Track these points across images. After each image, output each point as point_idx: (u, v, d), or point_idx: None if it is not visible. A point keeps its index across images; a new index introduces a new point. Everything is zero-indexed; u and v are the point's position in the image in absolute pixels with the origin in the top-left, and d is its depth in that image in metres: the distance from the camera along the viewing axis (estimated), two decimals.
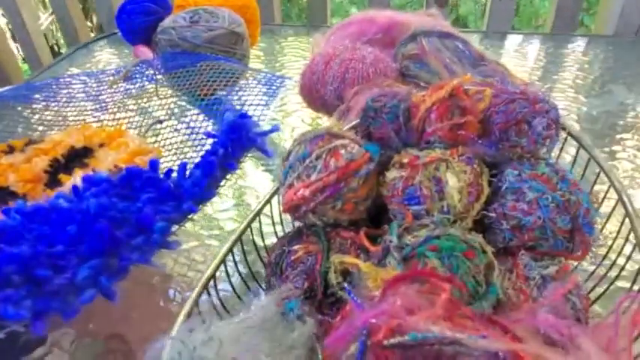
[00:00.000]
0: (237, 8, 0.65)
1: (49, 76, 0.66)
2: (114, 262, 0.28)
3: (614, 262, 0.32)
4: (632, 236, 0.29)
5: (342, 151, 0.30)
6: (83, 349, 0.35)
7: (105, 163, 0.43)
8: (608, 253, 0.33)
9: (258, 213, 0.32)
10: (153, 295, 0.39)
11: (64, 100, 0.59)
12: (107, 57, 0.84)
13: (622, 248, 0.31)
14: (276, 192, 0.34)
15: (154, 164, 0.35)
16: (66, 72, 0.76)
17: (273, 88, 0.51)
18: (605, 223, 0.35)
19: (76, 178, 0.40)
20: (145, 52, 0.67)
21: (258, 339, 0.18)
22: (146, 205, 0.31)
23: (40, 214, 0.29)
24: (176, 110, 0.54)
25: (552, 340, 0.20)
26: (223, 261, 0.28)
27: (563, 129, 0.35)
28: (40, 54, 1.02)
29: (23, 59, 1.16)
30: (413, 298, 0.19)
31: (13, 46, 1.16)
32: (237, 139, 0.38)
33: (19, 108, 0.57)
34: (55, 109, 0.57)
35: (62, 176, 0.42)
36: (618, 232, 0.32)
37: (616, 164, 0.51)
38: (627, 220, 0.30)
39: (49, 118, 0.55)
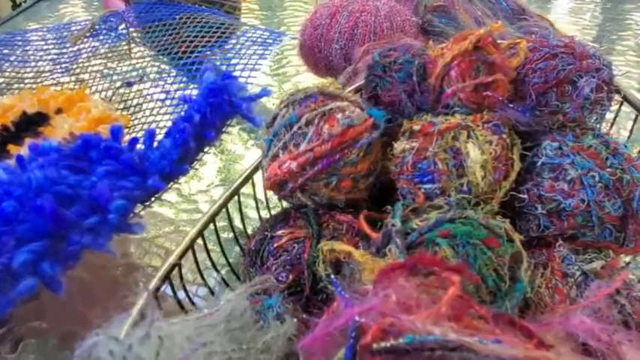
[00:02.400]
0: None
1: (3, 32, 0.66)
2: (60, 246, 0.28)
3: None
4: None
5: (339, 116, 0.28)
6: (31, 350, 0.34)
7: (61, 132, 0.42)
8: None
9: (237, 191, 0.31)
10: (116, 291, 0.39)
11: (20, 59, 0.58)
12: (73, 10, 0.84)
13: None
14: (259, 166, 0.32)
15: (115, 132, 0.34)
16: (24, 27, 0.76)
17: (266, 45, 0.50)
18: None
19: (26, 148, 0.40)
20: (116, 2, 0.67)
21: (217, 339, 0.17)
22: (102, 180, 0.30)
23: None
24: (150, 71, 0.53)
25: (590, 350, 0.19)
26: (191, 247, 0.27)
27: (618, 92, 0.33)
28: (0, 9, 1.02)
29: None
30: (412, 293, 0.17)
31: None
32: (217, 103, 0.37)
33: None
34: (9, 70, 0.57)
35: (11, 147, 0.41)
36: None
37: None
38: None
39: (0, 80, 0.55)
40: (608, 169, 0.28)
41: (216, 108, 0.37)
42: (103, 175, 0.30)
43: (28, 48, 0.60)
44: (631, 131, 0.35)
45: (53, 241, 0.27)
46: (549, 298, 0.25)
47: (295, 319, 0.23)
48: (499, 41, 0.32)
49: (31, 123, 0.45)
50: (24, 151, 0.40)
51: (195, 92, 0.48)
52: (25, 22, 0.79)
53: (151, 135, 0.35)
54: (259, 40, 0.50)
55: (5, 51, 0.59)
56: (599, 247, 0.28)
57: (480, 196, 0.27)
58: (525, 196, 0.28)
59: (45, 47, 0.58)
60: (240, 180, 0.32)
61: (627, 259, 0.31)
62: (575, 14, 0.76)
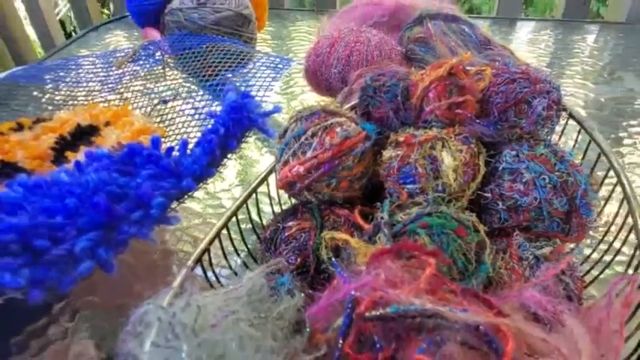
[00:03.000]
0: None
1: (60, 58, 0.67)
2: (112, 235, 0.28)
3: (610, 245, 0.31)
4: (630, 219, 0.28)
5: (338, 129, 0.29)
6: (86, 320, 0.35)
7: (109, 141, 0.43)
8: (605, 236, 0.32)
9: (254, 190, 0.32)
10: (155, 271, 0.40)
11: (74, 80, 0.59)
12: (117, 39, 0.84)
13: (619, 231, 0.30)
14: (272, 170, 0.33)
15: (155, 141, 0.35)
16: (76, 54, 0.76)
17: (278, 69, 0.50)
18: (604, 205, 0.34)
19: (81, 154, 0.40)
20: (153, 33, 0.67)
21: (242, 309, 0.18)
22: (145, 181, 0.30)
23: (41, 187, 0.29)
24: (182, 91, 0.54)
25: (539, 319, 0.20)
26: (217, 236, 0.28)
27: (565, 110, 0.34)
28: (56, 39, 1.02)
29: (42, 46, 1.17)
30: (397, 272, 0.18)
31: (31, 31, 1.17)
32: (238, 118, 0.37)
33: (30, 88, 0.58)
34: (65, 89, 0.57)
35: (68, 153, 0.42)
36: (616, 215, 0.31)
37: (622, 150, 0.49)
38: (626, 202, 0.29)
39: (57, 98, 0.56)
40: (557, 173, 0.28)
41: (237, 122, 0.38)
42: (146, 178, 0.31)
43: (80, 71, 0.60)
44: (575, 141, 0.36)
45: (106, 231, 0.28)
46: (507, 277, 0.26)
47: (303, 294, 0.23)
48: (468, 68, 0.32)
49: (85, 134, 0.45)
50: (80, 157, 0.41)
51: (219, 109, 0.49)
52: (76, 49, 0.79)
53: (184, 144, 0.35)
54: (272, 65, 0.51)
55: (61, 73, 0.59)
56: (548, 236, 0.28)
57: (452, 195, 0.28)
58: (489, 194, 0.29)
59: (94, 70, 0.59)
60: (257, 181, 0.33)
61: (572, 246, 0.32)
62: (532, 44, 0.76)
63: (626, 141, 0.51)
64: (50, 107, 0.55)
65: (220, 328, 0.16)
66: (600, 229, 0.34)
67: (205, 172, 0.34)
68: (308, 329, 0.20)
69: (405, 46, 0.54)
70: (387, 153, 0.30)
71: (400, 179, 0.29)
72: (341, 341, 0.18)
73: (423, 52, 0.52)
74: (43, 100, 0.56)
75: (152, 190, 0.30)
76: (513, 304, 0.20)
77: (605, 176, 0.33)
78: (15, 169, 0.42)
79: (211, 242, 0.27)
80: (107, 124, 0.46)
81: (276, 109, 0.41)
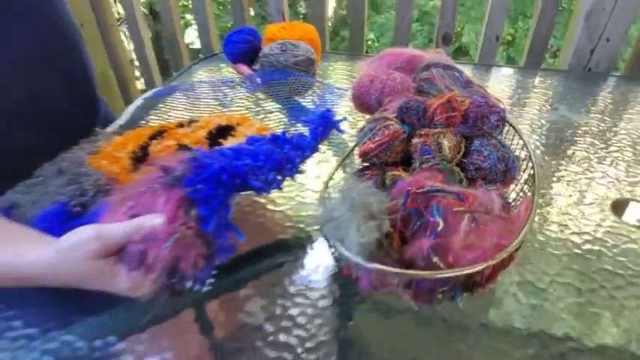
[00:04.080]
0: (309, 41, 0.93)
1: (177, 82, 0.94)
2: (280, 173, 0.55)
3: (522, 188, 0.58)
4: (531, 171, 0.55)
5: (391, 127, 0.56)
6: None
7: (243, 134, 0.69)
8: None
9: (348, 154, 0.59)
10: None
11: (194, 97, 0.86)
12: (207, 72, 1.12)
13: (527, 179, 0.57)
14: (354, 148, 0.60)
15: (283, 134, 0.62)
16: (186, 80, 1.04)
17: (337, 94, 0.78)
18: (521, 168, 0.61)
19: (229, 142, 0.67)
20: (244, 68, 0.95)
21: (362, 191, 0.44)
22: (289, 151, 0.57)
23: (241, 151, 0.55)
24: (269, 108, 0.81)
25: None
26: (332, 174, 0.55)
27: (507, 122, 0.61)
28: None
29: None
30: (427, 176, 0.45)
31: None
32: (326, 122, 0.65)
33: (167, 100, 0.85)
34: (190, 102, 0.84)
35: (222, 140, 0.68)
36: (525, 170, 0.58)
37: (548, 149, 0.77)
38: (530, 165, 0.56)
39: (187, 107, 0.83)
40: (500, 152, 0.55)
41: (327, 124, 0.65)
42: (289, 149, 0.58)
43: (197, 91, 0.87)
44: (512, 138, 0.63)
45: (277, 171, 0.54)
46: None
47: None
48: (457, 98, 0.60)
49: (224, 130, 0.72)
50: (230, 143, 0.67)
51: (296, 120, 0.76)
52: (187, 77, 1.07)
53: (300, 134, 0.62)
54: (334, 92, 0.79)
55: (186, 92, 0.87)
56: (495, 182, 0.55)
57: (448, 161, 0.55)
58: (466, 161, 0.56)
59: (207, 91, 0.86)
60: (347, 153, 0.60)
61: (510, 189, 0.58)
62: (500, 83, 1.05)
63: (555, 146, 0.78)
64: (186, 114, 0.81)
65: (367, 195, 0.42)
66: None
67: (315, 149, 0.61)
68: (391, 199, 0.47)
69: (417, 83, 0.81)
70: (414, 140, 0.57)
71: (421, 153, 0.56)
72: (402, 203, 0.44)
73: (429, 87, 0.80)
74: (178, 109, 0.83)
75: (294, 155, 0.57)
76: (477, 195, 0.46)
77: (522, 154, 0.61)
78: (187, 149, 0.69)
79: (330, 177, 0.54)
80: (237, 124, 0.73)
81: (344, 119, 0.68)
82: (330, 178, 0.55)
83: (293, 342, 0.47)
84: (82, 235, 0.43)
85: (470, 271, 0.40)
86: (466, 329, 0.48)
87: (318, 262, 0.56)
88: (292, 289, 0.53)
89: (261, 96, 0.86)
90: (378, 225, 0.40)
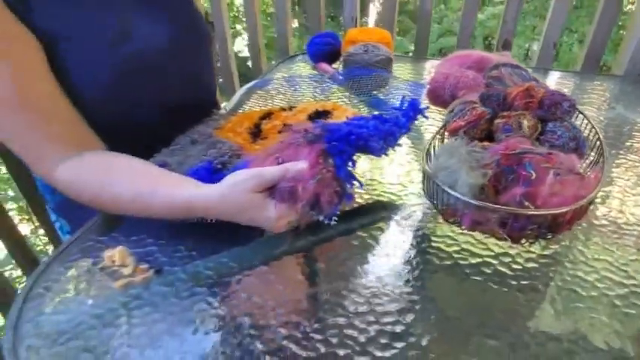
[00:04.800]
0: (385, 43, 1.05)
1: (268, 77, 1.08)
2: (386, 141, 0.66)
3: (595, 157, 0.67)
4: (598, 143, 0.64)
5: (478, 108, 0.67)
6: None
7: (339, 118, 0.81)
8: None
9: (440, 129, 0.70)
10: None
11: (290, 88, 0.99)
12: (288, 71, 1.25)
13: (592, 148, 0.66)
14: (444, 125, 0.71)
15: (378, 115, 0.73)
16: (274, 76, 1.18)
17: (419, 88, 0.89)
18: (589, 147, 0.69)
19: (329, 121, 0.79)
20: (327, 67, 1.08)
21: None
22: (392, 125, 0.68)
23: (352, 124, 0.67)
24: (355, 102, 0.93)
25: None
26: (431, 142, 0.66)
27: (576, 109, 0.71)
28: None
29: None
30: (518, 140, 0.55)
31: None
32: (415, 109, 0.76)
33: (261, 91, 0.98)
34: (288, 93, 0.97)
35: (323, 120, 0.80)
36: (591, 149, 0.67)
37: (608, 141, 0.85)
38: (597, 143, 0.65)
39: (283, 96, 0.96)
40: (572, 132, 0.65)
41: (415, 110, 0.76)
42: (391, 124, 0.69)
43: (293, 82, 1.00)
44: (581, 122, 0.72)
45: (384, 138, 0.65)
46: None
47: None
48: (534, 87, 0.70)
49: (321, 114, 0.84)
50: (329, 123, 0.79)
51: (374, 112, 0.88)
52: (275, 73, 1.21)
53: (397, 116, 0.73)
54: (415, 86, 0.90)
55: (283, 84, 1.00)
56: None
57: (527, 138, 0.65)
58: (541, 138, 0.66)
59: (306, 83, 0.99)
60: (440, 129, 0.70)
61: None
62: (558, 85, 1.13)
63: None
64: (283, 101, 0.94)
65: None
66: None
67: (408, 129, 0.72)
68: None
69: (487, 81, 0.92)
70: (497, 120, 0.67)
71: (503, 131, 0.66)
72: (497, 160, 0.54)
73: (498, 84, 0.90)
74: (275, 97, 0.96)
75: (395, 129, 0.68)
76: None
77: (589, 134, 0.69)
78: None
79: (430, 144, 0.65)
80: (333, 109, 0.85)
81: (427, 107, 0.79)
82: (429, 148, 0.65)
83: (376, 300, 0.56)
84: (243, 175, 0.55)
85: (556, 212, 0.49)
86: (535, 290, 0.57)
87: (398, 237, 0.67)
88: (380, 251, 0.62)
89: (345, 92, 0.98)
90: (484, 173, 0.50)
